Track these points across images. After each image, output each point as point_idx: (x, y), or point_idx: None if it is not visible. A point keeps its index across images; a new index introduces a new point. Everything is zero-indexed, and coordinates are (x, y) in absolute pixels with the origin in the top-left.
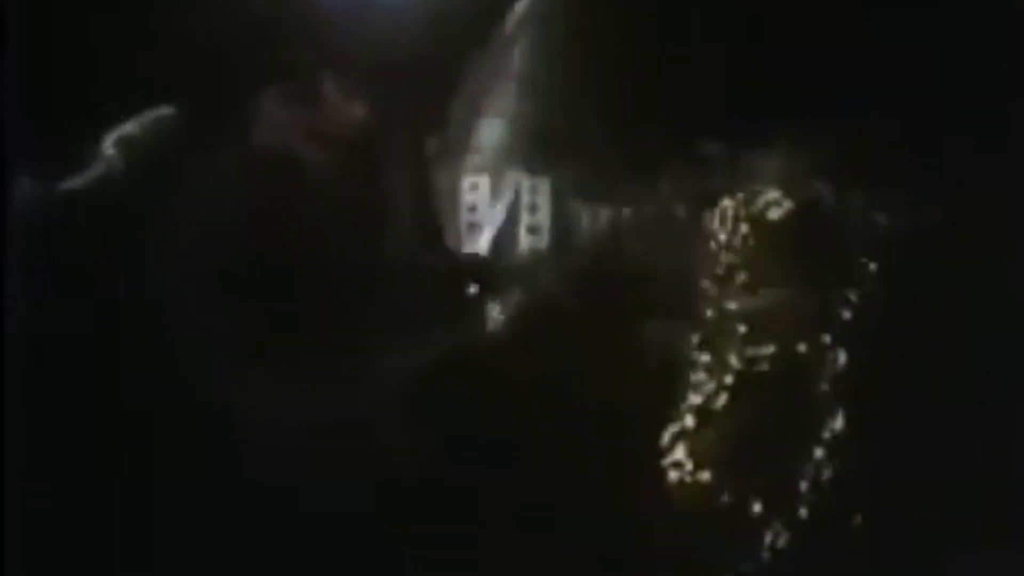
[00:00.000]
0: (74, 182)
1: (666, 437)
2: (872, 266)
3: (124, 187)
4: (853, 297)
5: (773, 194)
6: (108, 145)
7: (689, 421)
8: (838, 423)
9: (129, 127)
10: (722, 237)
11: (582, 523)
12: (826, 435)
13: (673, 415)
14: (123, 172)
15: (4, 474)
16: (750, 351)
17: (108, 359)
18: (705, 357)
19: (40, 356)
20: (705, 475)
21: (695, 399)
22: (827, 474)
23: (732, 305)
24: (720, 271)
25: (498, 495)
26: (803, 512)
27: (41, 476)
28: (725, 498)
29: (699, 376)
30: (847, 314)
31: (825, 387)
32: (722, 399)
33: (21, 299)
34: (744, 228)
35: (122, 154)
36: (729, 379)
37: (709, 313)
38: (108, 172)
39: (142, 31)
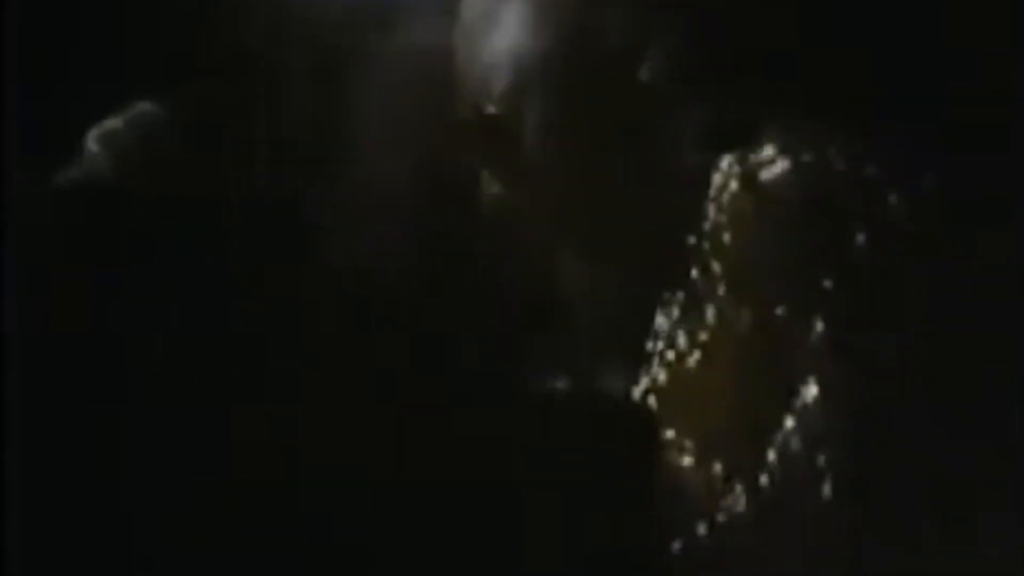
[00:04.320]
0: (74, 180)
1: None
2: (861, 236)
3: (123, 186)
4: (839, 267)
5: (768, 152)
6: (105, 143)
7: (661, 376)
8: (811, 393)
9: (125, 124)
10: (713, 194)
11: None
12: (798, 404)
13: (645, 371)
14: (121, 170)
15: (4, 474)
16: (728, 310)
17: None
18: (682, 315)
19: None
20: (669, 433)
21: (668, 356)
22: (796, 443)
23: (715, 265)
24: (708, 228)
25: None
26: (767, 480)
27: (41, 477)
28: (689, 459)
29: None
30: (829, 283)
31: (799, 354)
32: (695, 357)
33: (19, 298)
34: (734, 186)
35: (119, 151)
36: (704, 336)
37: (691, 271)
38: (106, 171)
39: (139, 27)
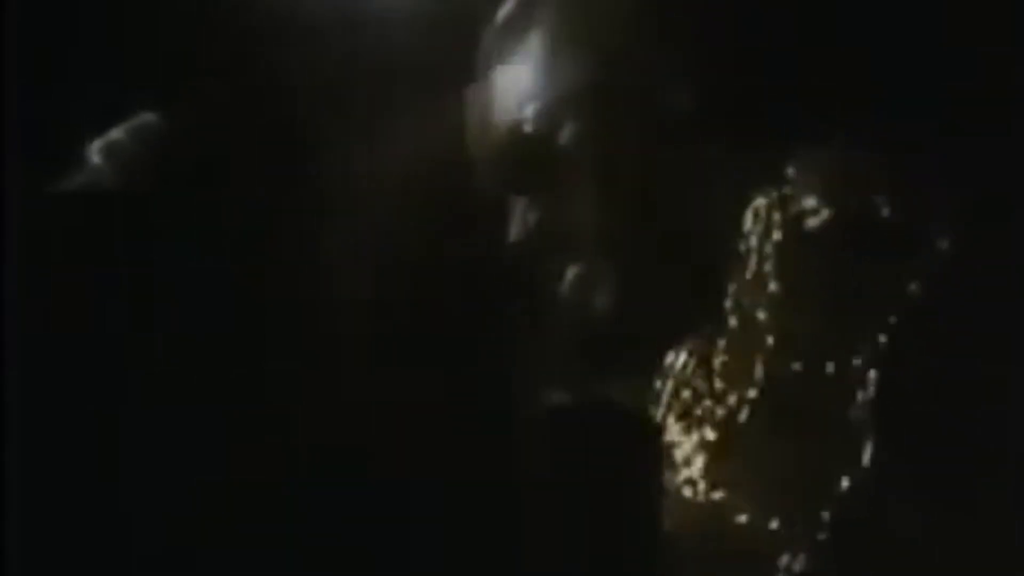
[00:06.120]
0: (75, 181)
1: (686, 450)
2: (914, 287)
3: (125, 188)
4: (891, 319)
5: (811, 201)
6: (107, 154)
7: (709, 435)
8: (865, 449)
9: (126, 133)
10: (754, 242)
11: (586, 534)
12: (851, 460)
13: (692, 428)
14: (124, 178)
15: (4, 474)
16: (777, 365)
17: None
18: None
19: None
20: (719, 494)
21: (718, 413)
22: (851, 502)
23: (761, 315)
24: (750, 277)
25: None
26: (824, 539)
27: (41, 477)
28: (741, 519)
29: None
30: (883, 337)
31: (854, 411)
32: (744, 414)
33: (19, 298)
34: (778, 235)
35: (121, 160)
36: (753, 393)
37: (734, 321)
38: (108, 178)
39: (140, 30)
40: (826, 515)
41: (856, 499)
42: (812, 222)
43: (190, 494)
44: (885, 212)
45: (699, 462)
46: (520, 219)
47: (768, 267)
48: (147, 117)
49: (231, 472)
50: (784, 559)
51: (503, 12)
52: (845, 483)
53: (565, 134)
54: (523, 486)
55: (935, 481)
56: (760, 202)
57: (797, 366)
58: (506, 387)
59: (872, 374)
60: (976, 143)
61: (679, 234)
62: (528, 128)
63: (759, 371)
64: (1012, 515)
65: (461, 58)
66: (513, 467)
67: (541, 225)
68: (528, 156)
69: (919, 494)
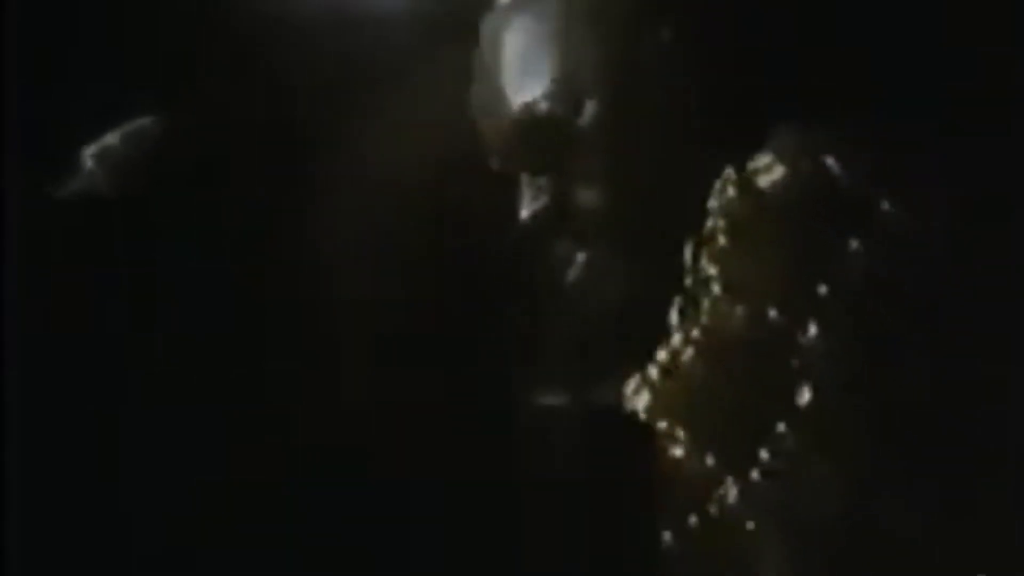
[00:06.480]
0: (72, 185)
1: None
2: (855, 243)
3: (118, 191)
4: (832, 273)
5: (764, 160)
6: (99, 151)
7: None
8: (803, 396)
9: (117, 133)
10: (713, 203)
11: (585, 533)
12: (787, 406)
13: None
14: (120, 183)
15: (4, 474)
16: (720, 309)
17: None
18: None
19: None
20: (661, 426)
21: (661, 354)
22: (787, 445)
23: (711, 268)
24: (706, 234)
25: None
26: (757, 477)
27: (41, 477)
28: (679, 453)
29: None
30: (824, 289)
31: (793, 360)
32: (687, 353)
33: (19, 298)
34: (731, 191)
35: (111, 161)
36: (696, 333)
37: (687, 271)
38: (99, 178)
39: (140, 30)
40: (762, 453)
41: (791, 440)
42: (763, 180)
43: (190, 494)
44: (835, 173)
45: (644, 397)
46: (530, 198)
47: (720, 223)
48: (142, 121)
49: (231, 472)
50: (719, 490)
51: None
52: (782, 427)
53: (573, 114)
54: (522, 486)
55: (935, 481)
56: (727, 171)
57: (740, 310)
58: (506, 387)
59: (812, 323)
60: (976, 143)
61: (676, 230)
62: (538, 109)
63: (704, 314)
64: (1012, 515)
65: (461, 59)
66: (512, 467)
67: (550, 204)
68: (537, 134)
69: (919, 494)
